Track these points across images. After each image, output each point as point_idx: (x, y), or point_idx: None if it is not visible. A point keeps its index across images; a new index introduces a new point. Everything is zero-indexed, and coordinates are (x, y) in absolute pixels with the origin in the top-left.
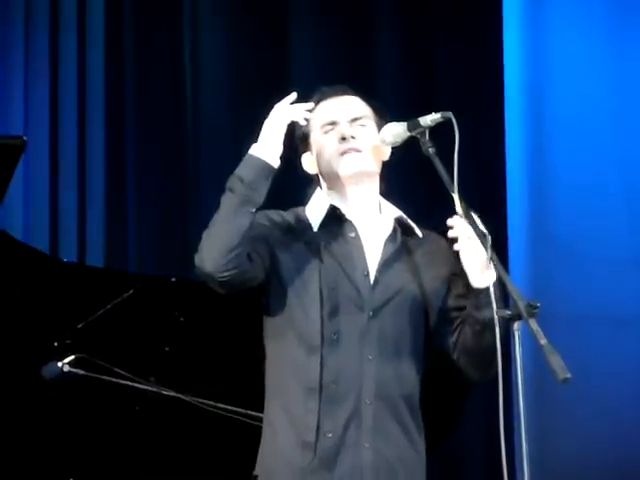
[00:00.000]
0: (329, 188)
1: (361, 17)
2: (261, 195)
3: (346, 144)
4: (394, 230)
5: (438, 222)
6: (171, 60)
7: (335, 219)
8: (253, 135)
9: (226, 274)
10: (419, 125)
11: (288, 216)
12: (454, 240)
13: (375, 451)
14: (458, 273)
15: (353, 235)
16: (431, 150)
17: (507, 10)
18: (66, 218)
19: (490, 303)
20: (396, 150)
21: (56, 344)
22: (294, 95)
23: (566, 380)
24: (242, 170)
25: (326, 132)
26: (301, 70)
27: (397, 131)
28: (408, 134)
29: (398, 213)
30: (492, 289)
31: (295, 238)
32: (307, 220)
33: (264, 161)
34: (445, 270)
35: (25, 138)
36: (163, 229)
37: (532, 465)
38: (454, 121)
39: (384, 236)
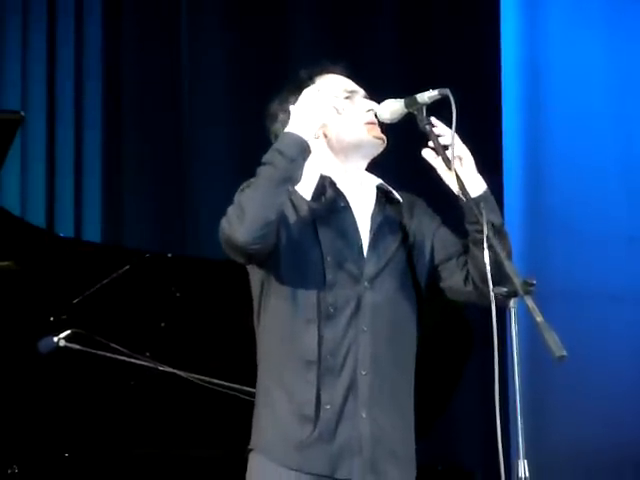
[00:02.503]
0: (332, 153)
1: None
2: (300, 173)
3: (371, 116)
4: (378, 198)
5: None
6: (168, 43)
7: (325, 189)
8: (248, 115)
9: (256, 246)
10: (416, 102)
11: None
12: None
13: (372, 421)
14: (441, 224)
15: (344, 205)
16: (428, 127)
17: None
18: (63, 193)
19: (490, 210)
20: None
21: (52, 319)
22: (320, 88)
23: (562, 358)
24: (282, 145)
25: (347, 97)
26: (299, 46)
27: (395, 108)
28: (406, 111)
29: (378, 181)
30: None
31: (288, 208)
32: (295, 190)
33: (303, 139)
34: (429, 227)
35: (23, 113)
36: (160, 204)
37: (527, 442)
38: (451, 98)
39: (370, 205)
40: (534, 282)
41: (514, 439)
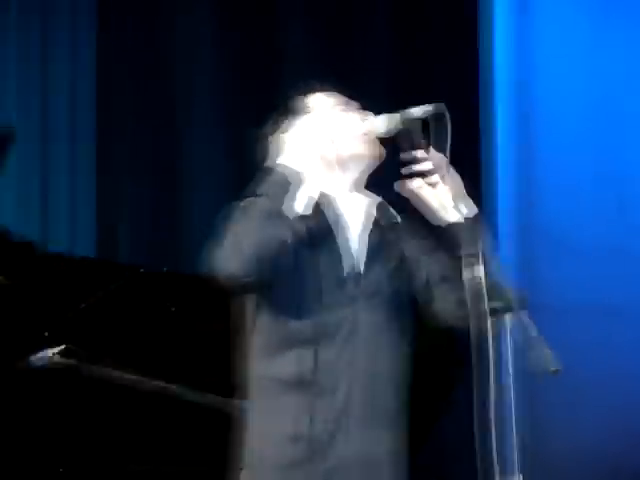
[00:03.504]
0: (329, 169)
1: (354, 7)
2: (296, 205)
3: (366, 127)
4: (376, 217)
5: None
6: (162, 52)
7: (323, 207)
8: (242, 129)
9: (251, 279)
10: (411, 116)
11: (272, 204)
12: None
13: (363, 442)
14: (435, 248)
15: (339, 224)
16: (423, 142)
17: (497, 8)
18: (57, 207)
19: (466, 238)
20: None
21: (47, 334)
22: (314, 114)
23: (556, 372)
24: (277, 177)
25: (342, 111)
26: (291, 63)
27: (389, 122)
28: (401, 125)
29: (378, 199)
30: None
31: (285, 229)
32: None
33: (298, 171)
34: (424, 250)
35: (14, 127)
36: (154, 220)
37: (523, 457)
38: (446, 113)
39: (368, 224)
40: (527, 297)
41: (509, 454)
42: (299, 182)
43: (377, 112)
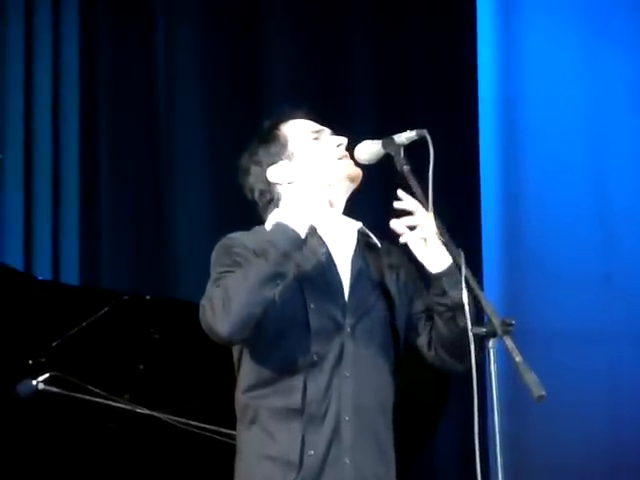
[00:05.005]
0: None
1: (336, 25)
2: (291, 268)
3: (342, 151)
4: (358, 242)
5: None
6: (145, 77)
7: (305, 235)
8: (226, 150)
9: (239, 337)
10: (394, 143)
11: (257, 237)
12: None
13: (355, 467)
14: (418, 277)
15: (324, 251)
16: (406, 168)
17: (481, 24)
18: (40, 235)
19: (453, 285)
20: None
21: (31, 362)
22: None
23: (541, 398)
24: (276, 237)
25: (316, 138)
26: (275, 82)
27: (372, 149)
28: (383, 152)
29: (358, 224)
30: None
31: None
32: None
33: (298, 233)
34: (407, 277)
35: (1, 156)
36: (137, 246)
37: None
38: (429, 139)
39: (350, 250)
40: (513, 322)
41: (493, 478)
42: (297, 245)
43: (362, 137)
